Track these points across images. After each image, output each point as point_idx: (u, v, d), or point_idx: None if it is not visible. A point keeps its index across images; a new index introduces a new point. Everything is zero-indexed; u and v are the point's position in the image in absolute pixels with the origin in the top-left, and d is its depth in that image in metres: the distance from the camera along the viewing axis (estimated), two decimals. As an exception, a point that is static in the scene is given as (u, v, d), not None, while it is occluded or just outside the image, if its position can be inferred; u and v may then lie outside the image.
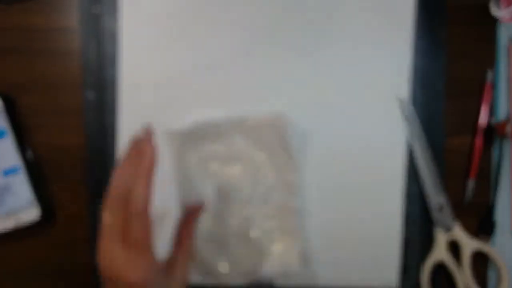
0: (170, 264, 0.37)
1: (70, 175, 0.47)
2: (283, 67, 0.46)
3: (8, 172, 0.45)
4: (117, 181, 0.34)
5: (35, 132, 0.47)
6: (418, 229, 0.48)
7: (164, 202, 0.39)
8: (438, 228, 0.47)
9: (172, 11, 0.46)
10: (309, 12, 0.46)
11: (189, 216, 0.41)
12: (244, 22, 0.46)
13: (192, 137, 0.41)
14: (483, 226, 0.48)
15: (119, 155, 0.46)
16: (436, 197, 0.47)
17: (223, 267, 0.41)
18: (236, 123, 0.41)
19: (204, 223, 0.41)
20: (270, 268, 0.42)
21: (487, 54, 0.48)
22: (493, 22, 0.47)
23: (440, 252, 0.47)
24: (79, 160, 0.47)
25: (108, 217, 0.33)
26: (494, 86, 0.47)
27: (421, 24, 0.47)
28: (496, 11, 0.46)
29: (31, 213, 0.45)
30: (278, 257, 0.42)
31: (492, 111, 0.47)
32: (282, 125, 0.40)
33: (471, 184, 0.47)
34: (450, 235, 0.47)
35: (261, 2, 0.46)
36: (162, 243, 0.37)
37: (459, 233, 0.47)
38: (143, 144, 0.34)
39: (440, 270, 0.48)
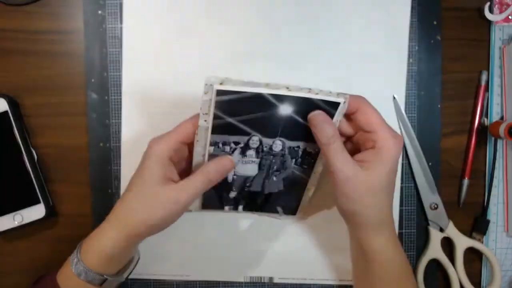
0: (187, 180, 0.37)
1: (73, 174, 0.48)
2: (283, 68, 0.47)
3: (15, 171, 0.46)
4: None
5: (40, 132, 0.48)
6: (414, 227, 0.49)
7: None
8: (433, 226, 0.48)
9: (174, 14, 0.47)
10: (308, 15, 0.47)
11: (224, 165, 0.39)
12: (245, 25, 0.47)
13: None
14: (477, 225, 0.49)
15: (122, 155, 0.47)
16: (430, 196, 0.48)
17: None
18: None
19: None
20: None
21: (481, 56, 0.48)
22: (487, 24, 0.48)
23: (434, 250, 0.48)
24: (82, 159, 0.48)
25: None
26: (488, 87, 0.48)
27: (417, 27, 0.47)
28: (490, 14, 0.47)
29: (36, 211, 0.46)
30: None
31: (486, 112, 0.48)
32: None
33: (465, 183, 0.48)
34: (444, 233, 0.48)
35: (261, 6, 0.47)
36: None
37: (453, 231, 0.48)
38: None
39: (435, 267, 0.49)
